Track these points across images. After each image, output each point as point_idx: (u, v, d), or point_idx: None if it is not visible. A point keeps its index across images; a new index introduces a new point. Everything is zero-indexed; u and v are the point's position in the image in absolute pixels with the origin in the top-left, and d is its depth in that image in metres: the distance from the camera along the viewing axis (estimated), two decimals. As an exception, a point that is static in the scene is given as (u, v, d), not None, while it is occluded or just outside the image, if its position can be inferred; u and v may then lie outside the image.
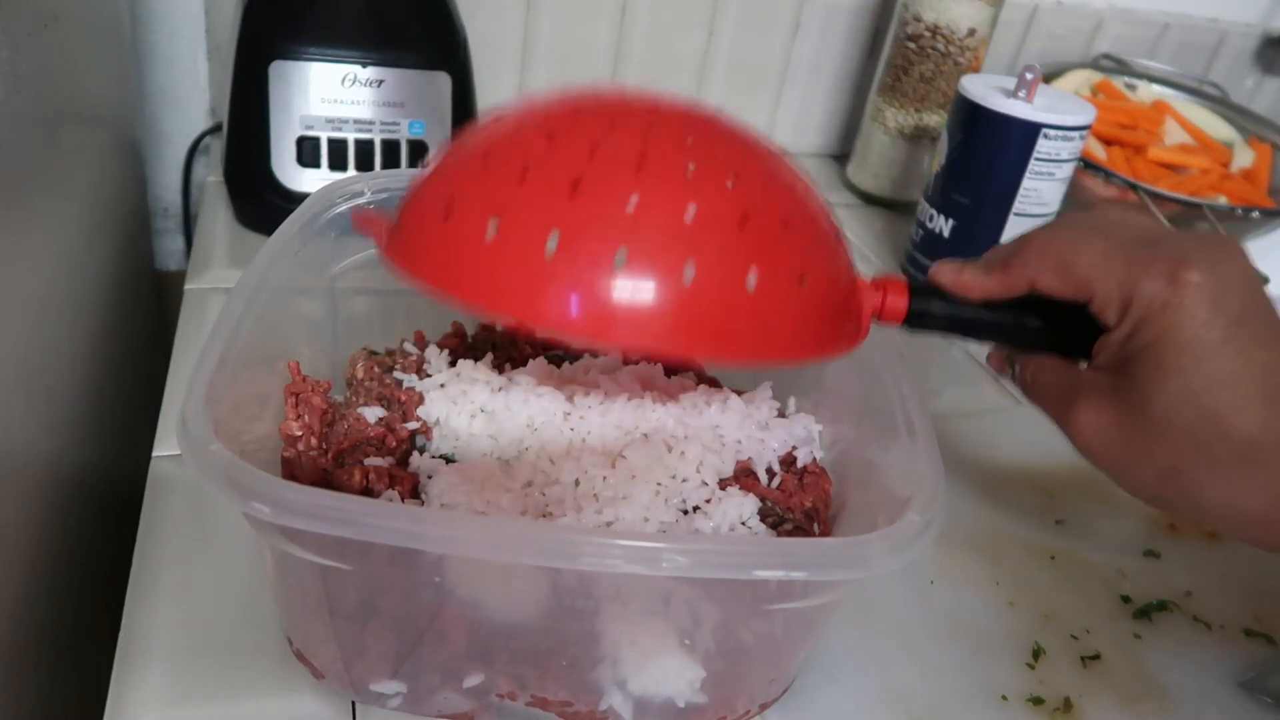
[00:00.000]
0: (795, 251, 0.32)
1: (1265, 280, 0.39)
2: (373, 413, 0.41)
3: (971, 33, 0.77)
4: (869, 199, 0.87)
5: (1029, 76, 0.62)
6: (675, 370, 0.48)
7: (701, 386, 0.45)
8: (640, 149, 0.30)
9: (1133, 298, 0.33)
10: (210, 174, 0.73)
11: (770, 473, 0.41)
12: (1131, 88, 0.90)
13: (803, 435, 0.43)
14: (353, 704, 0.36)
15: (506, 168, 0.30)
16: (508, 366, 0.45)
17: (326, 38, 0.61)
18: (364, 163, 0.63)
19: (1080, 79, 0.89)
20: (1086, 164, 0.73)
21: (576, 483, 0.38)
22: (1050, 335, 0.38)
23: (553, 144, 0.31)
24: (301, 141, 0.61)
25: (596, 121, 0.31)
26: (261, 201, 0.63)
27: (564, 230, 0.29)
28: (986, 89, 0.64)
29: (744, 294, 0.30)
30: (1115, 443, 0.34)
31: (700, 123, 0.33)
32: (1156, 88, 0.91)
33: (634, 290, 0.29)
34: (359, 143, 0.62)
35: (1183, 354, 0.32)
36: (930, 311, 0.37)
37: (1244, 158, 0.85)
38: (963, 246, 0.68)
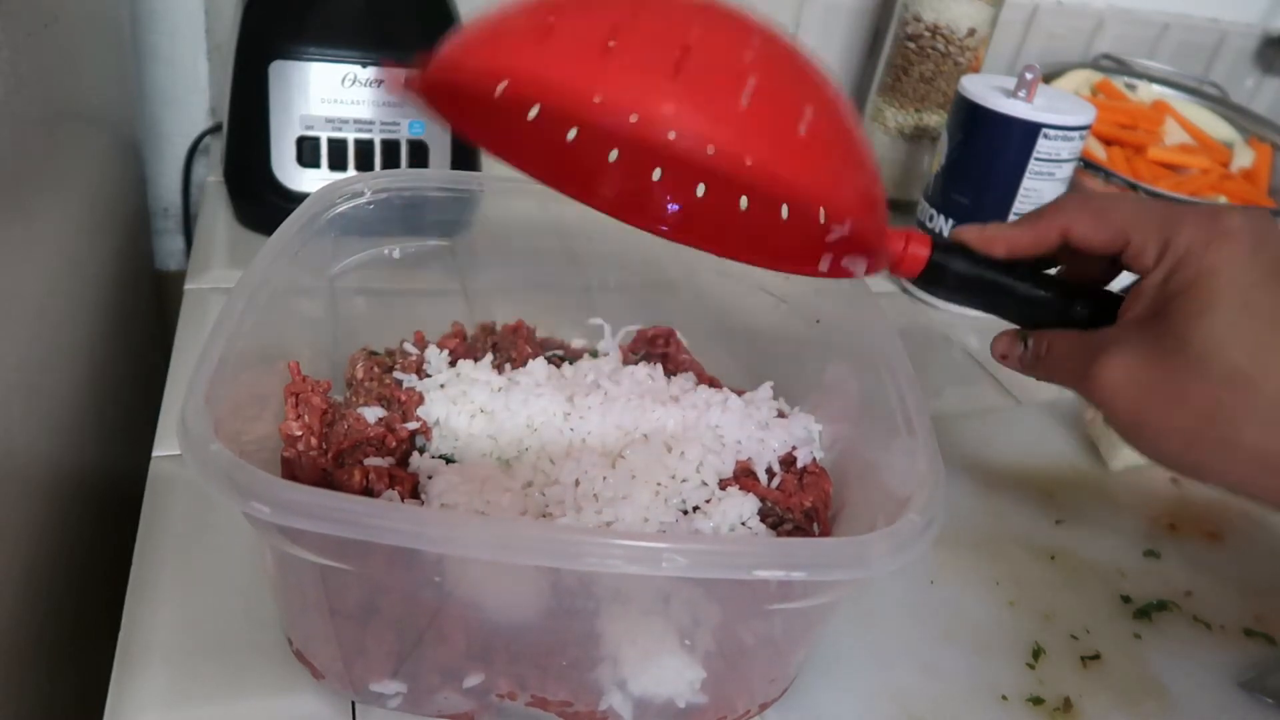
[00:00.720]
0: (846, 122, 0.34)
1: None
2: (373, 413, 0.41)
3: (971, 33, 0.77)
4: (869, 199, 0.87)
5: (1029, 76, 0.62)
6: (675, 371, 0.48)
7: (701, 387, 0.45)
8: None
9: (1171, 239, 0.33)
10: (210, 174, 0.73)
11: (770, 473, 0.41)
12: (1131, 88, 0.90)
13: (803, 435, 0.43)
14: (353, 704, 0.36)
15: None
16: (508, 367, 0.45)
17: (326, 38, 0.61)
18: (364, 163, 0.63)
19: (1080, 79, 0.89)
20: (1086, 164, 0.73)
21: (576, 483, 0.38)
22: (1069, 305, 0.38)
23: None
24: (301, 141, 0.61)
25: None
26: (261, 201, 0.63)
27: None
28: (986, 89, 0.64)
29: (796, 130, 0.31)
30: (1146, 390, 0.33)
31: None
32: (1156, 88, 0.91)
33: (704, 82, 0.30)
34: (359, 143, 0.62)
35: (1227, 288, 0.31)
36: (950, 266, 0.38)
37: (1244, 158, 0.85)
38: (963, 246, 0.68)
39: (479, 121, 0.38)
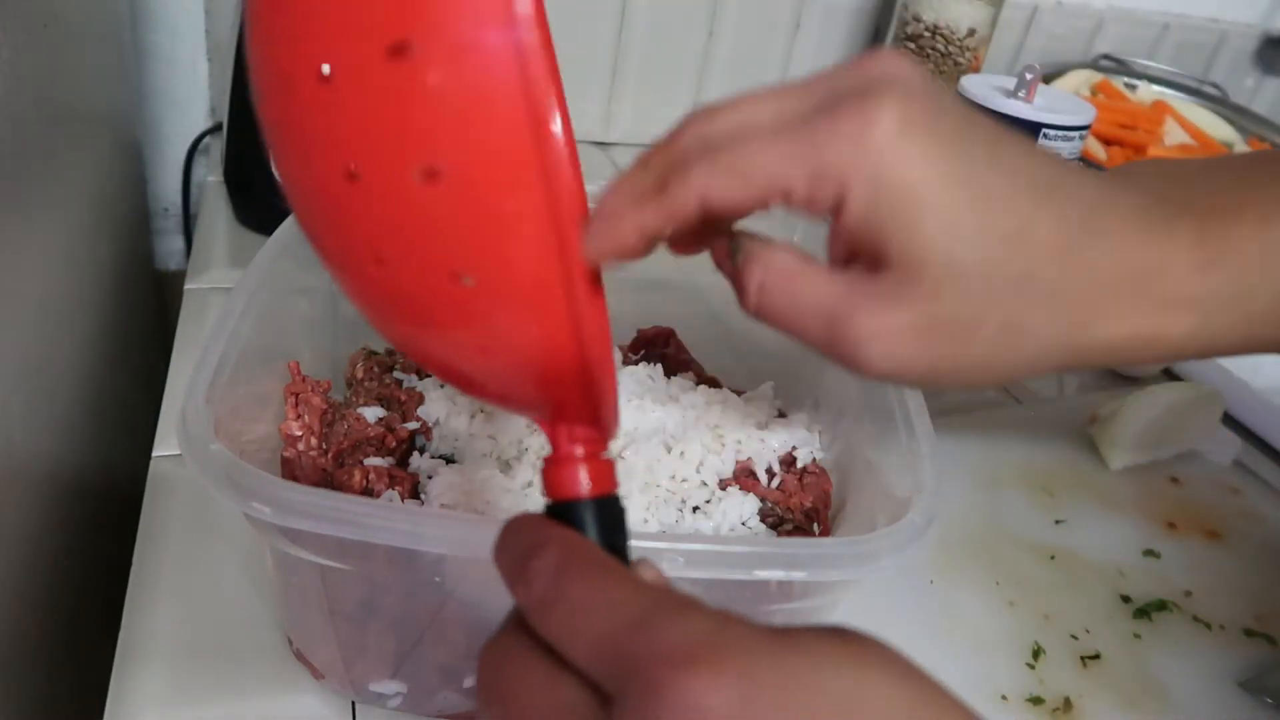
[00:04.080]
0: None
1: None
2: (373, 413, 0.41)
3: (971, 33, 0.77)
4: (869, 199, 0.87)
5: (1029, 76, 0.62)
6: (675, 371, 0.48)
7: (701, 387, 0.45)
8: None
9: (825, 167, 0.24)
10: (210, 174, 0.73)
11: (770, 473, 0.41)
12: (1131, 88, 0.90)
13: (803, 435, 0.43)
14: (353, 704, 0.36)
15: None
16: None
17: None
18: (364, 163, 0.63)
19: (1080, 79, 0.89)
20: (1086, 164, 0.73)
21: (576, 483, 0.38)
22: None
23: None
24: (301, 141, 0.61)
25: None
26: (261, 201, 0.63)
27: None
28: (986, 89, 0.64)
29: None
30: (931, 340, 0.26)
31: None
32: (1156, 88, 0.91)
33: None
34: (359, 143, 0.62)
35: (931, 188, 0.24)
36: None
37: (1244, 158, 0.85)
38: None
39: None
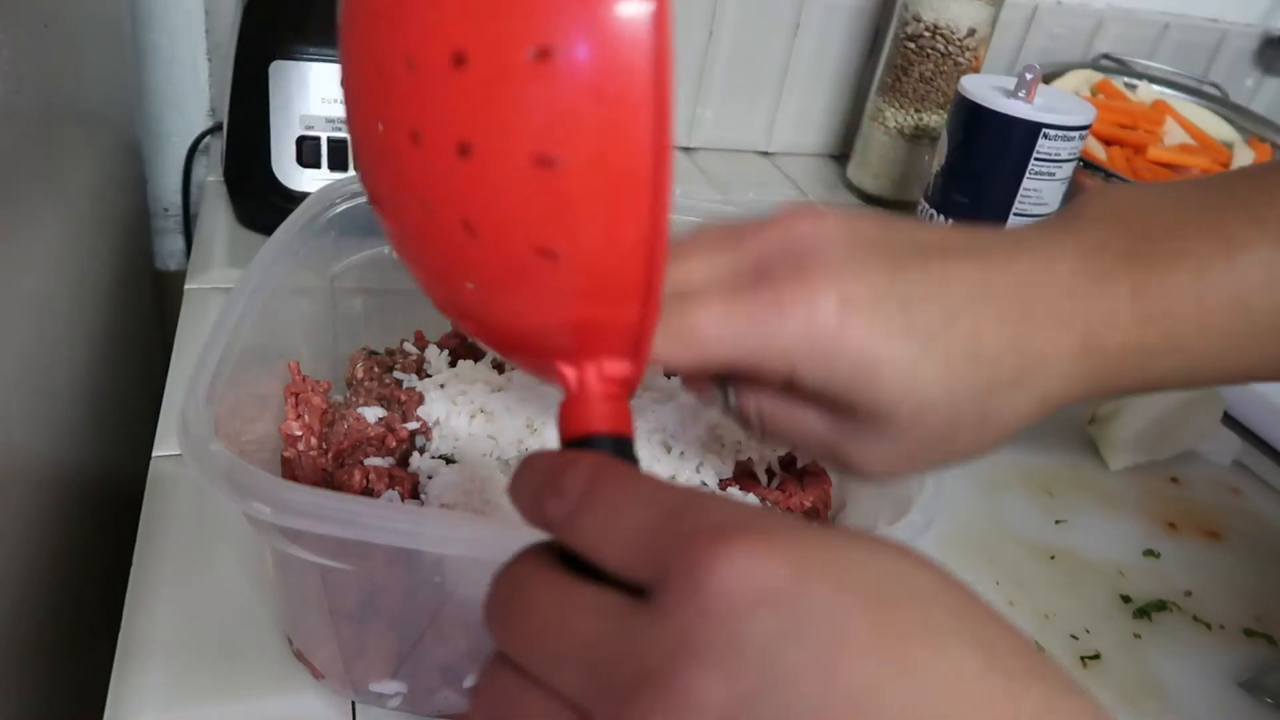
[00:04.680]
0: None
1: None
2: (373, 413, 0.41)
3: (971, 33, 0.77)
4: (869, 199, 0.87)
5: (1029, 76, 0.62)
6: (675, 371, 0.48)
7: (701, 386, 0.46)
8: None
9: (773, 350, 0.27)
10: (210, 174, 0.73)
11: (770, 473, 0.41)
12: (1131, 88, 0.90)
13: (803, 435, 0.43)
14: (352, 704, 0.36)
15: None
16: (508, 366, 0.45)
17: (326, 38, 0.61)
18: (364, 163, 0.63)
19: (1080, 79, 0.89)
20: (1086, 164, 0.73)
21: (576, 483, 0.38)
22: None
23: None
24: (301, 141, 0.61)
25: None
26: (261, 201, 0.63)
27: None
28: (986, 89, 0.64)
29: None
30: (919, 456, 0.29)
31: None
32: (1156, 88, 0.91)
33: None
34: (359, 143, 0.62)
35: (879, 350, 0.26)
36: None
37: (1244, 158, 0.85)
38: (963, 246, 0.68)
39: None
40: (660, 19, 0.21)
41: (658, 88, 0.21)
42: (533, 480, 0.22)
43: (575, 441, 0.24)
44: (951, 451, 0.29)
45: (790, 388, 0.28)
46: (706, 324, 0.27)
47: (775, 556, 0.18)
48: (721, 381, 0.30)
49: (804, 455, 0.30)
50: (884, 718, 0.17)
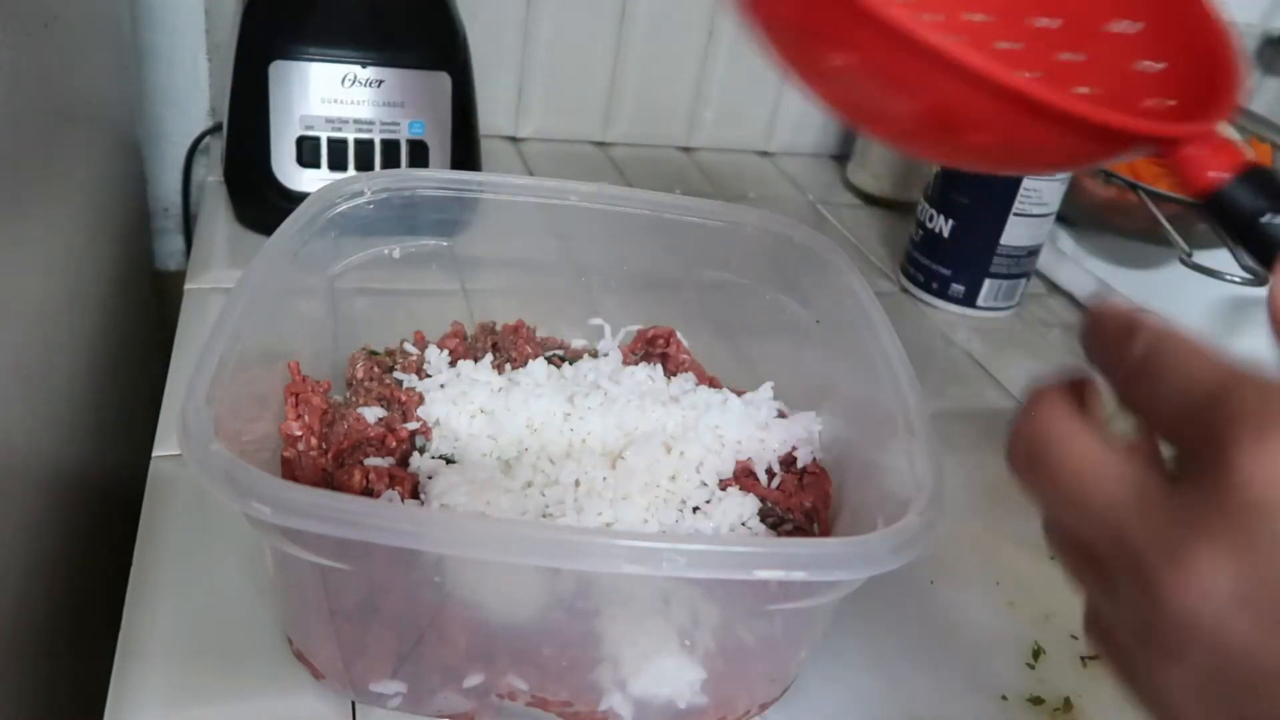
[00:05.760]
0: None
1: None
2: (373, 413, 0.41)
3: (971, 33, 0.77)
4: (869, 199, 0.87)
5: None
6: (675, 371, 0.48)
7: (701, 387, 0.46)
8: None
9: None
10: (210, 174, 0.73)
11: (770, 473, 0.42)
12: (1131, 88, 0.90)
13: (803, 435, 0.43)
14: (353, 704, 0.36)
15: None
16: (508, 367, 0.45)
17: (326, 38, 0.61)
18: (364, 163, 0.63)
19: (1080, 79, 0.89)
20: (1086, 164, 0.73)
21: (576, 483, 0.38)
22: None
23: None
24: (301, 141, 0.61)
25: None
26: (261, 201, 0.63)
27: None
28: (986, 89, 0.64)
29: None
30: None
31: None
32: (1156, 88, 0.91)
33: None
34: (359, 143, 0.62)
35: None
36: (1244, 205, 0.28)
37: (1244, 158, 0.85)
38: (963, 246, 0.68)
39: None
40: None
41: None
42: (1103, 339, 0.24)
43: (1218, 193, 0.28)
44: None
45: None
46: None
47: None
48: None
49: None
50: None
